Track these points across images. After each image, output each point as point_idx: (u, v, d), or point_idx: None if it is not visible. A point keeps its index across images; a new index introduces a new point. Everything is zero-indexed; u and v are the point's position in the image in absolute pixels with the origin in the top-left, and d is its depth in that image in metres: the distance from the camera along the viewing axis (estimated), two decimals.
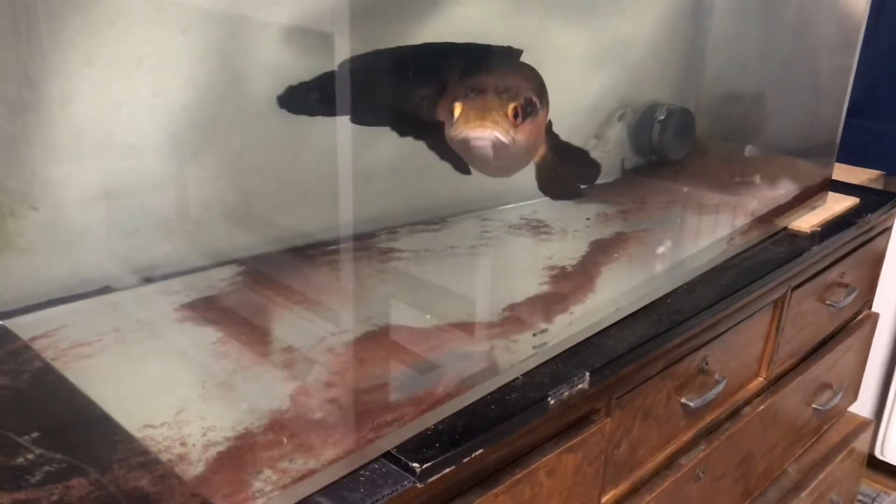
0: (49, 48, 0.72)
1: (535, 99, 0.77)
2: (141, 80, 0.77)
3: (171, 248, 0.84)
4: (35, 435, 0.58)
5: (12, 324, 0.73)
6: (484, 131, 0.71)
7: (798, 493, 1.30)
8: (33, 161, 0.74)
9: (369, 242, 0.93)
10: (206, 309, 0.78)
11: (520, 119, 0.73)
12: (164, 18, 0.77)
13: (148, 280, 0.82)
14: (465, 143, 0.72)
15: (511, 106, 0.73)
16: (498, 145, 0.72)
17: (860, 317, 1.41)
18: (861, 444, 1.49)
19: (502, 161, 0.76)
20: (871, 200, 1.27)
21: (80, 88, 0.74)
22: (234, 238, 0.88)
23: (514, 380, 0.72)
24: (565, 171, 0.88)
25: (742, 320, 1.02)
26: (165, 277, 0.83)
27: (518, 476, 0.70)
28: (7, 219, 0.73)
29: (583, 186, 0.93)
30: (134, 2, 0.75)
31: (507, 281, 0.90)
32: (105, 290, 0.80)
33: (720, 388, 0.99)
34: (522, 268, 0.93)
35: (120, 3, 0.74)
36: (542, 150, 0.84)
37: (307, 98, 0.83)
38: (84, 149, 0.76)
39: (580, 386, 0.73)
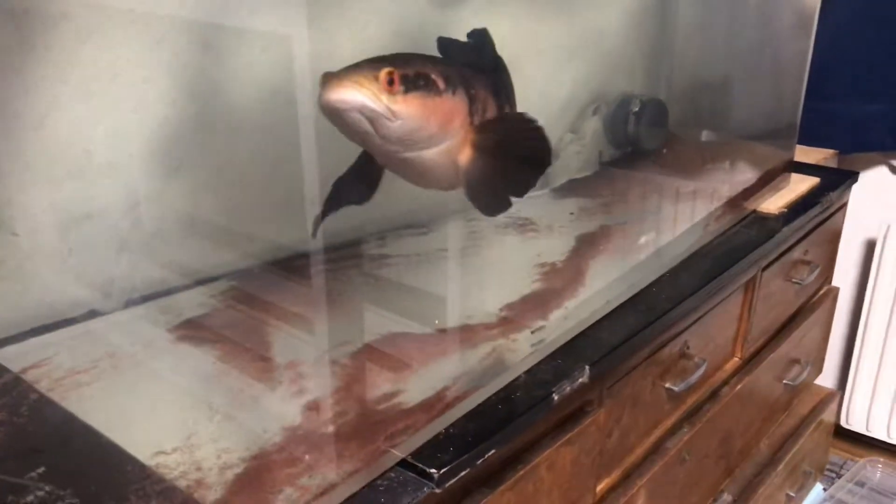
0: (20, 67, 0.69)
1: (435, 77, 0.67)
2: (117, 95, 0.76)
3: (157, 267, 0.82)
4: (41, 471, 0.57)
5: (0, 355, 0.71)
6: (342, 91, 0.60)
7: (774, 468, 1.34)
8: (10, 185, 0.71)
9: (359, 250, 0.92)
10: (200, 328, 0.76)
11: (398, 87, 0.62)
12: (137, 32, 0.75)
13: (136, 301, 0.80)
14: (328, 111, 0.61)
15: (385, 70, 0.62)
16: (367, 111, 0.61)
17: (822, 292, 1.45)
18: (828, 415, 1.54)
19: (390, 143, 0.66)
20: (830, 180, 1.31)
21: (55, 107, 0.72)
22: (220, 253, 0.87)
23: (516, 378, 0.73)
24: (498, 180, 0.75)
25: (718, 303, 1.05)
26: (154, 297, 0.82)
27: (521, 473, 0.71)
28: None
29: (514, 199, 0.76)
30: (105, 16, 0.73)
31: (501, 281, 0.91)
32: (92, 314, 0.78)
33: (701, 370, 1.01)
34: (514, 267, 0.93)
35: (91, 18, 0.72)
36: (468, 152, 0.73)
37: None
38: (62, 169, 0.74)
39: (581, 380, 0.74)
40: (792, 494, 1.44)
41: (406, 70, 0.64)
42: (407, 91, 0.64)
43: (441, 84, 0.68)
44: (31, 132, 0.71)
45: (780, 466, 1.35)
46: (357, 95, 0.61)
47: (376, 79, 0.61)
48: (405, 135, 0.66)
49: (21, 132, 0.71)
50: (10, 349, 0.72)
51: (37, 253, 0.74)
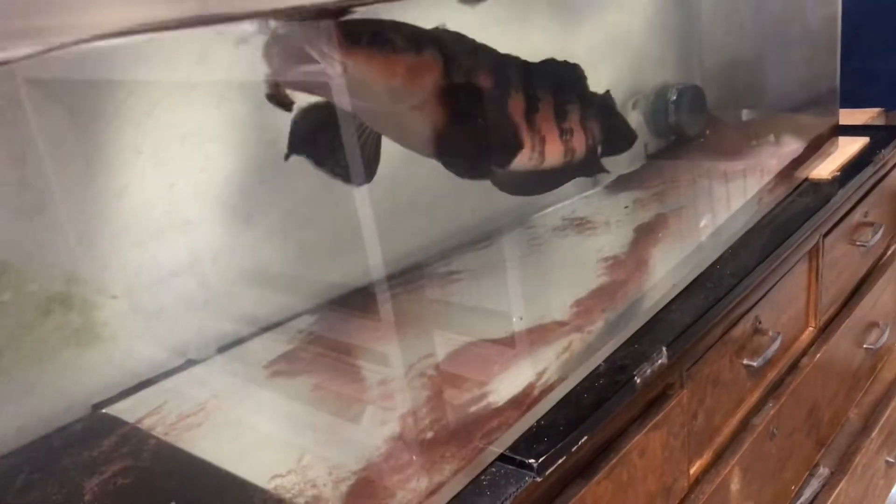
0: (100, 143, 0.76)
1: (392, 36, 0.70)
2: (187, 156, 0.81)
3: (242, 312, 0.87)
4: None
5: (114, 410, 0.76)
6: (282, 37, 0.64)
7: (867, 436, 1.32)
8: (104, 251, 0.77)
9: (426, 271, 0.96)
10: (293, 361, 0.80)
11: (340, 40, 0.66)
12: (199, 96, 0.81)
13: (227, 346, 0.85)
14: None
15: (325, 25, 0.65)
16: (301, 52, 0.65)
17: (891, 251, 1.43)
18: None
19: (345, 93, 0.68)
20: (880, 137, 1.31)
21: (133, 175, 0.78)
22: (298, 290, 0.91)
23: (597, 367, 0.75)
24: (471, 142, 0.78)
25: (783, 275, 1.05)
26: (243, 340, 0.86)
27: (614, 461, 0.73)
28: (92, 311, 0.76)
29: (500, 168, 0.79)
30: (168, 86, 0.79)
31: (567, 280, 0.93)
32: (189, 362, 0.83)
33: (777, 344, 1.01)
34: (578, 265, 0.95)
35: (156, 89, 0.78)
36: (442, 110, 0.75)
37: None
38: (146, 232, 0.80)
39: (660, 361, 0.76)
40: (891, 460, 1.41)
41: (349, 28, 0.67)
42: (352, 45, 0.67)
43: (400, 42, 0.71)
44: (115, 201, 0.77)
45: (874, 433, 1.33)
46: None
47: (317, 31, 0.65)
48: (356, 86, 0.69)
49: (107, 201, 0.77)
50: (123, 404, 0.77)
51: (134, 312, 0.80)
